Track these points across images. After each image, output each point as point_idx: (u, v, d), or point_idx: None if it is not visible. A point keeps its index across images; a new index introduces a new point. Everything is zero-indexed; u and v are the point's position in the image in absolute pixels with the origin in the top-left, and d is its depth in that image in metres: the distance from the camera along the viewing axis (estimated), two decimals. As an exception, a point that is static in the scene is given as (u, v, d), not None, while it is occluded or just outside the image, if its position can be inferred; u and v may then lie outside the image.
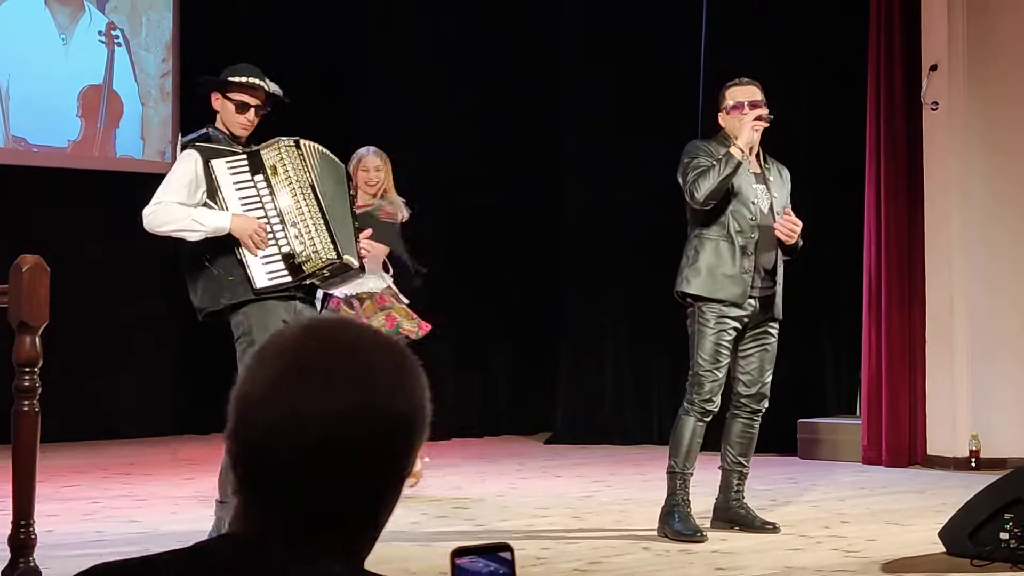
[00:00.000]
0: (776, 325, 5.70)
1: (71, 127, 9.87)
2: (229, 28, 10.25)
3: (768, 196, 5.65)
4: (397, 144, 9.95)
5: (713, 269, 5.52)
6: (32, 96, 9.63)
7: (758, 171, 5.68)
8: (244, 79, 5.27)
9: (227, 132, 5.29)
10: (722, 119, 5.69)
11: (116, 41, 10.05)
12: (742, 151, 5.49)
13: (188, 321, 10.15)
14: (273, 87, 5.31)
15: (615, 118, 9.69)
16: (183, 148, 5.23)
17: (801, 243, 5.73)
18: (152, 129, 10.20)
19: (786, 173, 5.85)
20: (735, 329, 5.56)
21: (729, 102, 5.65)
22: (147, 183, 9.79)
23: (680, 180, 5.59)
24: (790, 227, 5.62)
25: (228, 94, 5.26)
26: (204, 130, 5.31)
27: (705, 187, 5.45)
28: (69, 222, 9.49)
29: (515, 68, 10.48)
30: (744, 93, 5.66)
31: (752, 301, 5.58)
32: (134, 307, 9.98)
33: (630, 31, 9.67)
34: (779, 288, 5.70)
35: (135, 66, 10.13)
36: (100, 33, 9.99)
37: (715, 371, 5.50)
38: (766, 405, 5.70)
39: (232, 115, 5.27)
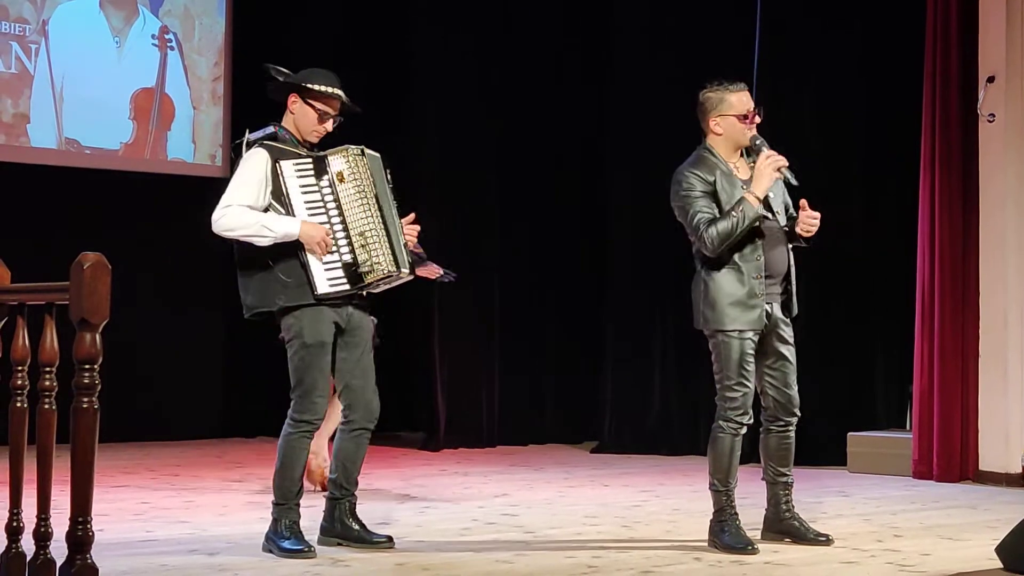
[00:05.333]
0: (789, 326, 5.61)
1: (123, 130, 9.93)
2: (281, 33, 10.29)
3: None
4: (447, 144, 10.02)
5: (727, 299, 5.44)
6: (85, 98, 9.71)
7: (748, 176, 5.55)
8: (331, 89, 5.28)
9: (294, 134, 5.30)
10: (721, 126, 5.53)
11: (169, 45, 10.11)
12: (759, 199, 5.38)
13: (236, 323, 10.20)
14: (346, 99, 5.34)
15: (665, 118, 9.66)
16: (249, 146, 5.23)
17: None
18: (203, 133, 10.25)
19: None
20: (754, 339, 5.48)
21: (739, 111, 5.51)
22: (198, 186, 9.92)
23: (677, 214, 5.49)
24: (811, 224, 5.51)
25: (311, 100, 5.26)
26: (271, 128, 5.31)
27: (719, 242, 5.36)
28: (120, 224, 9.55)
29: (565, 67, 10.47)
30: (746, 99, 5.54)
31: (771, 307, 5.52)
32: (183, 309, 10.04)
33: (682, 35, 9.65)
34: (793, 287, 5.60)
35: (187, 70, 10.18)
36: (153, 36, 10.06)
37: (744, 383, 5.43)
38: (799, 414, 5.63)
39: (312, 123, 5.28)
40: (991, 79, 7.92)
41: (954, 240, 8.01)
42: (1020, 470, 7.77)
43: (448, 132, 10.06)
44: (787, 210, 5.68)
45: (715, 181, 5.46)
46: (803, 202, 5.57)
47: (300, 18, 10.43)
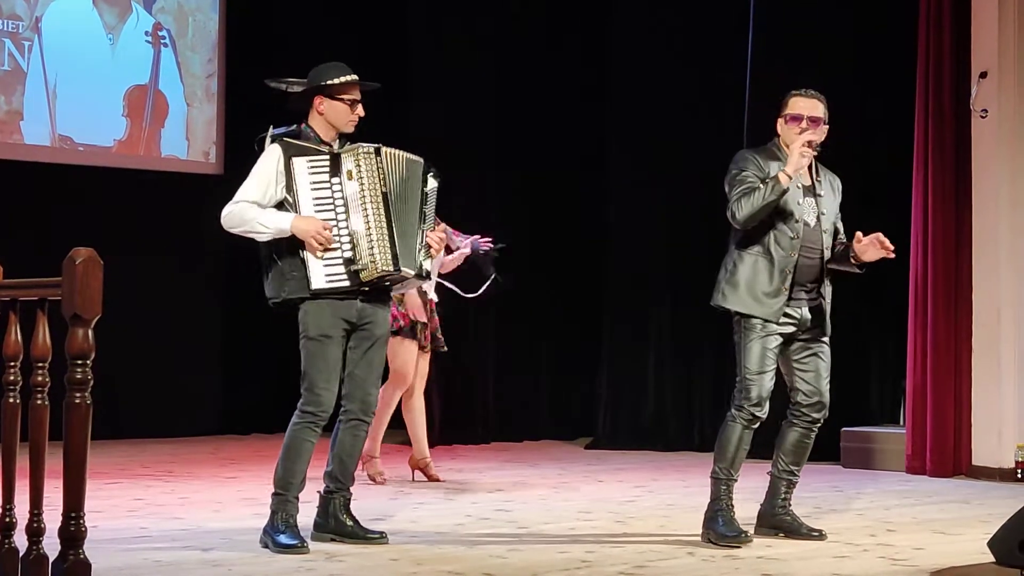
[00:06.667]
0: (826, 339, 5.65)
1: (117, 127, 9.93)
2: (275, 30, 10.29)
3: (815, 210, 5.57)
4: (444, 142, 9.99)
5: (750, 285, 5.47)
6: (79, 95, 9.71)
7: (809, 183, 5.60)
8: (351, 77, 5.36)
9: (318, 133, 5.35)
10: (779, 126, 5.61)
11: (162, 41, 10.11)
12: (790, 177, 5.41)
13: (231, 321, 10.27)
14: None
15: (665, 119, 9.69)
16: (272, 141, 5.30)
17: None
18: (197, 129, 10.25)
19: (837, 183, 5.76)
20: (780, 335, 5.51)
21: (789, 111, 5.58)
22: (191, 183, 9.92)
23: (727, 191, 5.55)
24: (882, 251, 5.55)
25: (337, 95, 5.33)
26: (295, 127, 5.37)
27: (747, 210, 5.39)
28: (114, 221, 9.54)
29: (562, 67, 10.46)
30: (806, 106, 5.56)
31: (800, 310, 5.52)
32: (178, 306, 10.03)
33: (679, 26, 9.67)
34: (827, 305, 5.62)
35: (181, 67, 10.18)
36: (147, 33, 10.06)
37: (763, 377, 5.45)
38: (826, 415, 5.64)
39: (345, 114, 5.35)
40: (983, 75, 7.94)
41: (947, 235, 8.02)
42: (1013, 465, 7.79)
43: (446, 130, 10.04)
44: (836, 233, 5.68)
45: (769, 173, 5.45)
46: (858, 234, 5.54)
47: (294, 14, 10.42)
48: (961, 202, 8.05)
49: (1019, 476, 7.72)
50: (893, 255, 5.62)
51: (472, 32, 10.20)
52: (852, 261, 5.62)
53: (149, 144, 10.07)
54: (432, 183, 5.46)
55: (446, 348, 7.64)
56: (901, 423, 8.61)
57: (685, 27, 9.69)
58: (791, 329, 5.52)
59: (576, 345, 10.44)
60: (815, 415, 5.62)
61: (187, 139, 10.22)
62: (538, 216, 10.38)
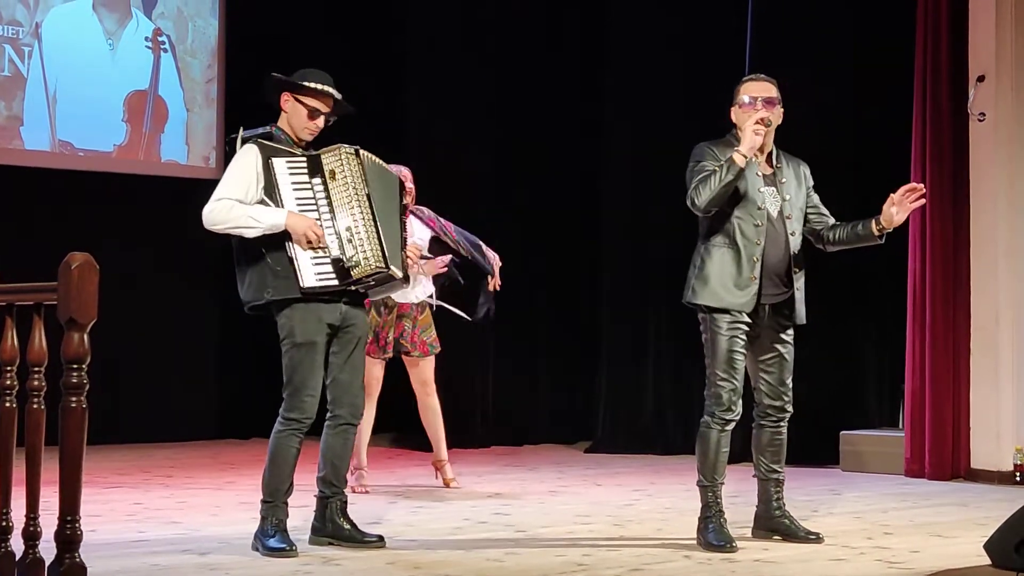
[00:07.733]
0: (792, 331, 5.63)
1: (117, 132, 9.95)
2: (275, 35, 10.31)
3: (777, 198, 5.55)
4: (443, 147, 10.03)
5: (720, 278, 5.48)
6: (79, 101, 9.73)
7: (768, 172, 5.58)
8: (320, 86, 5.35)
9: (289, 134, 5.35)
10: (734, 114, 5.60)
11: (162, 47, 10.13)
12: (745, 157, 5.40)
13: (229, 325, 10.27)
14: (343, 102, 5.42)
15: (660, 118, 9.69)
16: (243, 142, 5.28)
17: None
18: (197, 135, 10.26)
19: (804, 169, 5.71)
20: (747, 334, 5.50)
21: (743, 98, 5.57)
22: (191, 188, 9.93)
23: (687, 183, 5.55)
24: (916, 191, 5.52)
25: (302, 97, 5.33)
26: (267, 128, 5.37)
27: (705, 194, 5.39)
28: (114, 226, 9.56)
29: (559, 69, 10.48)
30: (758, 89, 5.56)
31: (765, 307, 5.52)
32: (176, 311, 10.05)
33: (679, 26, 9.69)
34: (799, 293, 5.60)
35: (181, 72, 10.20)
36: (147, 39, 10.08)
37: (731, 379, 5.44)
38: (791, 410, 5.65)
39: (303, 119, 5.33)
40: (981, 78, 7.94)
41: (945, 238, 8.03)
42: (1011, 467, 7.79)
43: (444, 131, 10.06)
44: (807, 217, 5.67)
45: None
46: (891, 196, 5.55)
47: (293, 19, 10.44)
48: (959, 205, 8.05)
49: (1017, 479, 7.73)
50: (924, 190, 5.57)
51: (471, 33, 10.22)
52: (876, 233, 5.59)
53: (149, 149, 10.08)
54: (404, 198, 5.55)
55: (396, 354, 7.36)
56: (900, 426, 8.62)
57: (684, 28, 9.70)
58: (757, 327, 5.52)
59: (575, 348, 10.44)
60: (780, 414, 5.63)
61: (187, 144, 10.24)
62: (538, 217, 10.38)
